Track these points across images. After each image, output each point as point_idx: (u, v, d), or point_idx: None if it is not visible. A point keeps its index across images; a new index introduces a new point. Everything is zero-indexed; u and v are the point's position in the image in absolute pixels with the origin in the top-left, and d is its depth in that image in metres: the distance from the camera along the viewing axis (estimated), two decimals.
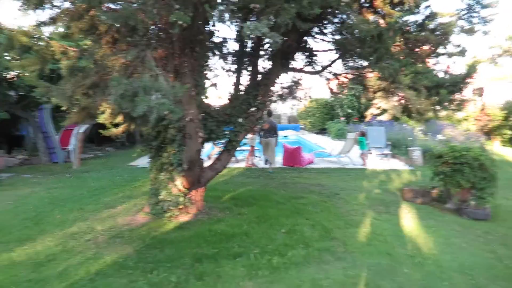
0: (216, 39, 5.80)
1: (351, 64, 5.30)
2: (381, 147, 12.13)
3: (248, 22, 4.05)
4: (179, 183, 5.39)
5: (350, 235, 4.92)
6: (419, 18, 4.95)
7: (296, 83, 6.85)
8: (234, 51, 6.20)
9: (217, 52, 6.07)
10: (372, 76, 5.00)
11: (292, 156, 10.86)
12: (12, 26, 4.25)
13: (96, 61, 4.32)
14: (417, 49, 5.11)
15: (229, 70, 6.32)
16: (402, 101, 5.14)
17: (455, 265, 4.05)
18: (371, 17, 3.94)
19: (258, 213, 5.74)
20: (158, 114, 2.84)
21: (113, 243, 4.62)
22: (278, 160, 11.08)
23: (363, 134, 11.27)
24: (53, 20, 3.84)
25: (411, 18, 4.96)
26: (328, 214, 5.83)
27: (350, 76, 5.88)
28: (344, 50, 4.93)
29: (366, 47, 3.96)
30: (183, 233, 4.91)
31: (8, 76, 10.75)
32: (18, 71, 10.42)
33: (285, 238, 4.76)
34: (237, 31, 5.91)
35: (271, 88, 5.89)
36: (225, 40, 6.04)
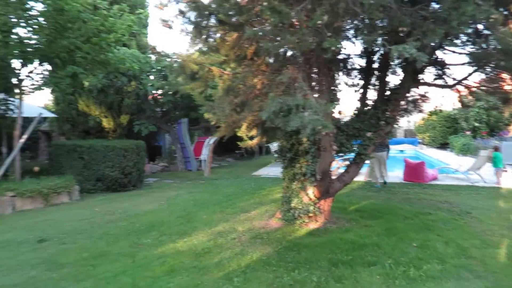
0: (340, 56, 6.11)
1: (491, 76, 5.07)
2: None
3: (380, 43, 4.28)
4: (311, 192, 5.78)
5: (489, 255, 4.68)
6: None
7: (423, 96, 6.73)
8: (360, 67, 6.41)
9: (342, 68, 6.37)
10: None
11: (415, 171, 10.50)
12: (175, 54, 5.22)
13: (244, 82, 5.01)
14: None
15: (353, 85, 6.53)
16: None
17: None
18: None
19: (386, 226, 5.80)
20: (313, 128, 3.26)
21: (254, 243, 5.19)
22: (398, 174, 10.82)
23: (497, 149, 10.32)
24: (215, 49, 4.61)
25: None
26: (461, 232, 5.59)
27: (488, 88, 5.58)
28: (483, 63, 4.78)
29: None
30: (316, 239, 5.25)
31: (155, 95, 12.72)
32: (161, 91, 12.28)
33: (417, 252, 4.75)
34: (364, 47, 6.12)
35: (401, 102, 5.93)
36: (349, 56, 6.33)
